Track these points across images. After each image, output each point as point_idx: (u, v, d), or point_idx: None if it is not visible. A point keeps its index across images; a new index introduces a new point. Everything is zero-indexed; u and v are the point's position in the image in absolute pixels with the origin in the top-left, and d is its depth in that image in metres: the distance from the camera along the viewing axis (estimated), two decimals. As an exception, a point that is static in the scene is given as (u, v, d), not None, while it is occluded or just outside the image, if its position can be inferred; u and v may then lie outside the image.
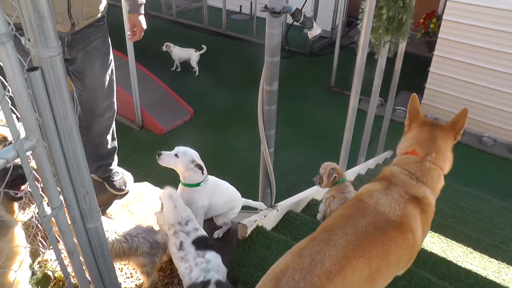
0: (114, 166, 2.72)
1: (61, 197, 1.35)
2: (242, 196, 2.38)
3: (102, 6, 2.20)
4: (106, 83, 2.36)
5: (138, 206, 2.58)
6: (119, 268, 2.26)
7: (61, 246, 1.46)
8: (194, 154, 2.11)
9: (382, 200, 1.52)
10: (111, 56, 2.40)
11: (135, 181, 2.82)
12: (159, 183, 2.48)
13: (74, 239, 1.44)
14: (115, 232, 1.94)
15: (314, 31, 1.94)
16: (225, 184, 2.33)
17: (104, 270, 1.61)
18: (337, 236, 1.39)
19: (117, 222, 2.08)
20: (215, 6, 9.64)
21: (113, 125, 2.60)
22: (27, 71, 1.10)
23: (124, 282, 2.16)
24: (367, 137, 4.27)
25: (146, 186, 2.82)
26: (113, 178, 2.66)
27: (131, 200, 2.63)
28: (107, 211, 2.56)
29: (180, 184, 2.18)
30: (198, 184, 2.13)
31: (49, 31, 1.07)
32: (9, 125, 1.08)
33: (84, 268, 1.53)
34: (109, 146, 2.60)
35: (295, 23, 1.97)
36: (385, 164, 4.70)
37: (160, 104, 6.72)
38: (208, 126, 6.57)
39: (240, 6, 9.55)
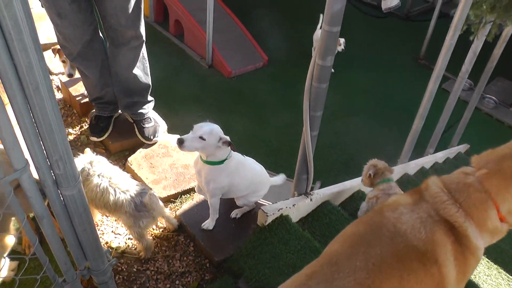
0: (148, 109, 2.52)
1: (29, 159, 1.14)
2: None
3: None
4: (131, 9, 2.10)
5: (161, 161, 2.38)
6: (123, 233, 2.12)
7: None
8: (218, 130, 1.82)
9: (405, 217, 1.16)
10: None
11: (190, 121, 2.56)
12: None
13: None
14: (109, 181, 1.77)
15: (390, 2, 1.49)
16: (251, 163, 2.05)
17: (84, 239, 1.43)
18: (342, 274, 1.07)
19: (116, 170, 1.89)
20: None
21: (144, 58, 2.36)
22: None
23: (125, 243, 2.02)
24: (443, 125, 3.71)
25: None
26: (143, 124, 2.48)
27: (156, 153, 2.43)
28: (129, 158, 2.40)
29: (199, 158, 1.91)
30: (221, 162, 1.86)
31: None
32: None
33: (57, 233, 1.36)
34: (140, 81, 2.39)
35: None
36: (457, 160, 4.12)
37: (233, 45, 6.43)
38: (279, 77, 6.21)
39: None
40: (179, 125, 3.06)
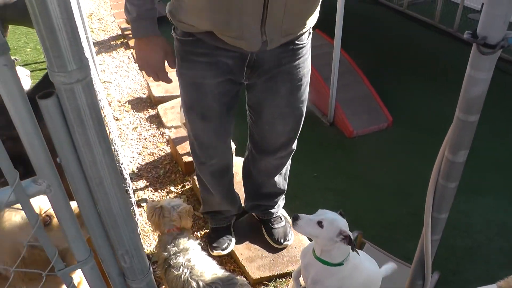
0: (278, 209, 2.28)
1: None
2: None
3: (312, 21, 1.60)
4: (292, 117, 1.82)
5: (260, 236, 2.19)
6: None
7: None
8: (343, 223, 1.57)
9: None
10: (308, 78, 1.79)
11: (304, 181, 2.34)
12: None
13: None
14: (190, 272, 1.61)
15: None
16: (367, 265, 1.76)
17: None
18: None
19: (201, 255, 1.73)
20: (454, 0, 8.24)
21: (287, 166, 2.09)
22: (38, 97, 0.79)
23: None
24: None
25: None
26: (272, 224, 2.24)
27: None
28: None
29: (310, 251, 1.68)
30: (335, 264, 1.61)
31: (59, 47, 0.72)
32: (1, 164, 0.78)
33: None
34: (274, 188, 2.14)
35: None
36: None
37: (357, 103, 6.14)
38: (405, 141, 5.71)
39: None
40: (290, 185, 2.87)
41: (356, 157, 5.47)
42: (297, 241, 2.18)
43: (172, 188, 2.59)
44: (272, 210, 2.22)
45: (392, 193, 4.92)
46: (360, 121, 5.96)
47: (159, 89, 3.26)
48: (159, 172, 2.80)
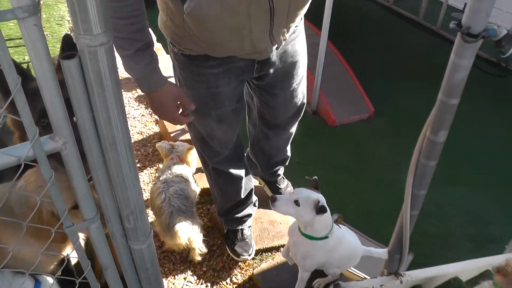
0: (282, 171, 2.41)
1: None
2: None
3: (304, 11, 1.62)
4: (300, 88, 1.89)
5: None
6: (195, 281, 2.05)
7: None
8: (317, 196, 1.65)
9: None
10: (305, 48, 1.85)
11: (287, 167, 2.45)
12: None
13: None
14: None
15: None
16: (349, 238, 1.86)
17: (148, 293, 1.36)
18: None
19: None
20: (441, -1, 8.43)
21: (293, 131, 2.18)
22: (62, 58, 0.84)
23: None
24: None
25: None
26: (278, 184, 2.36)
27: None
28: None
29: (296, 228, 1.77)
30: (321, 238, 1.70)
31: (88, 12, 0.77)
32: (23, 118, 0.84)
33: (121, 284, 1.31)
34: (284, 156, 2.27)
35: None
36: None
37: (341, 94, 6.28)
38: (386, 131, 5.88)
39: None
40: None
41: (338, 145, 5.61)
42: (282, 218, 2.28)
43: (160, 166, 2.64)
44: (279, 172, 2.36)
45: (373, 181, 5.08)
46: (342, 111, 6.10)
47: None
48: (147, 150, 2.85)
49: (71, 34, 1.01)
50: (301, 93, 1.93)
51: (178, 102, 1.52)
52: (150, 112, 3.20)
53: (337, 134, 5.88)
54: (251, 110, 2.07)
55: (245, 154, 2.15)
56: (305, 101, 2.00)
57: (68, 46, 1.22)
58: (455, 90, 1.32)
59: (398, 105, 6.34)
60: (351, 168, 5.25)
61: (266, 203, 2.28)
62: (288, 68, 1.76)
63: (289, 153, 2.29)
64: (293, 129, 2.12)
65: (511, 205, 3.56)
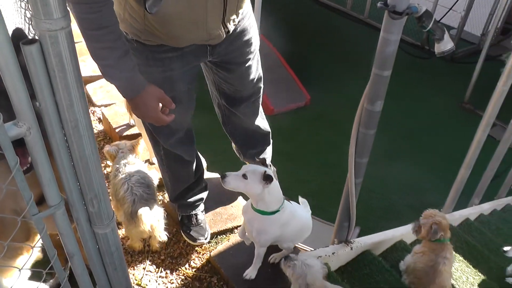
0: (268, 155, 2.42)
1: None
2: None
3: None
4: (255, 59, 1.96)
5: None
6: (154, 270, 2.08)
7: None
8: (265, 168, 1.74)
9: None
10: (255, 24, 1.93)
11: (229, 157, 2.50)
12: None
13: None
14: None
15: (443, 45, 1.41)
16: (301, 212, 1.97)
17: (114, 278, 1.39)
18: None
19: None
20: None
21: (261, 107, 2.23)
22: (22, 43, 0.86)
23: (156, 281, 1.96)
24: (491, 174, 3.47)
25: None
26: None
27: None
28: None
29: (249, 206, 1.85)
30: (273, 213, 1.79)
31: (48, -3, 0.80)
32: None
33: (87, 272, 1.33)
34: (260, 130, 2.28)
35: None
36: (505, 212, 3.85)
37: (277, 84, 6.44)
38: (321, 117, 6.13)
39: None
40: (219, 163, 3.03)
41: (278, 133, 5.73)
42: (233, 201, 2.37)
43: (109, 163, 2.61)
44: (265, 156, 2.39)
45: (314, 165, 5.30)
46: (279, 100, 6.28)
47: (86, 69, 3.21)
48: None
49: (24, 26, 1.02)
50: (256, 70, 1.99)
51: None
52: (92, 111, 3.14)
53: (276, 121, 6.02)
54: (212, 92, 2.13)
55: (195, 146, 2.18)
56: (261, 75, 2.07)
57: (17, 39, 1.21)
58: (387, 62, 1.47)
59: (332, 91, 6.62)
60: (293, 154, 5.43)
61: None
62: (240, 45, 1.83)
63: (267, 128, 2.33)
64: (258, 103, 2.17)
65: (446, 176, 3.88)
